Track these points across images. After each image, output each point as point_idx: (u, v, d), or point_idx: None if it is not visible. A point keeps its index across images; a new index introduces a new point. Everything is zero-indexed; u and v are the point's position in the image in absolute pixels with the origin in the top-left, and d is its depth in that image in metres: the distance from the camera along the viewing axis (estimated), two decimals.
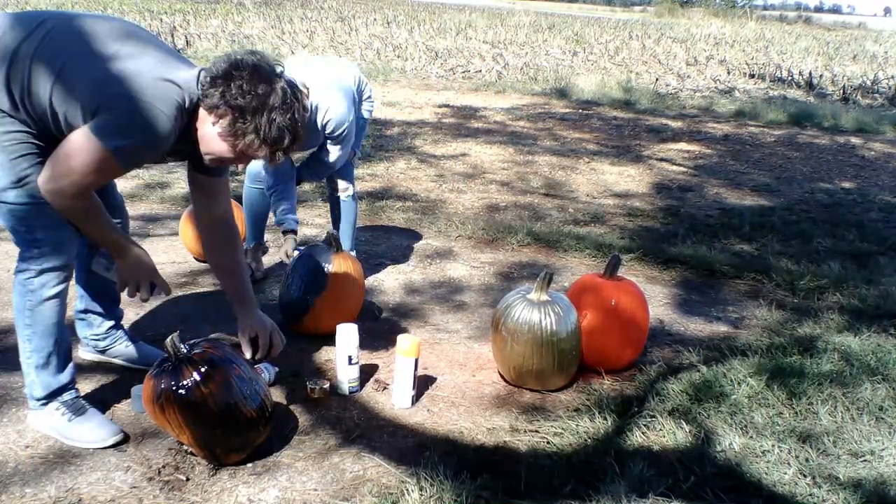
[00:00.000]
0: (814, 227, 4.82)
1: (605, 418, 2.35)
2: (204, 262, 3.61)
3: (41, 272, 2.01)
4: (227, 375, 1.98)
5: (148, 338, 2.68)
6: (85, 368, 2.51)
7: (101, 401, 2.32)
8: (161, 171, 5.26)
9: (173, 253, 3.73)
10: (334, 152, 3.18)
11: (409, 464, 2.10)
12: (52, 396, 2.13)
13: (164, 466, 2.04)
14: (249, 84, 1.85)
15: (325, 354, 2.76)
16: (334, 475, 2.05)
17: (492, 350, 2.66)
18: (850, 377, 2.68)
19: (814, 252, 4.28)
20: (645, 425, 2.32)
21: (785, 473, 2.11)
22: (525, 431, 2.31)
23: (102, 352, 2.54)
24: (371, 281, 3.48)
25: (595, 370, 2.69)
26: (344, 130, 3.10)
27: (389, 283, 3.54)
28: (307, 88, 2.85)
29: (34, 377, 2.10)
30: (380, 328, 3.03)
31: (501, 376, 2.67)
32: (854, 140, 8.47)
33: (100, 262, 2.20)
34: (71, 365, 2.17)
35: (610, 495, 1.96)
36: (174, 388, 1.92)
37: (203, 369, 1.94)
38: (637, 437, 2.26)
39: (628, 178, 6.10)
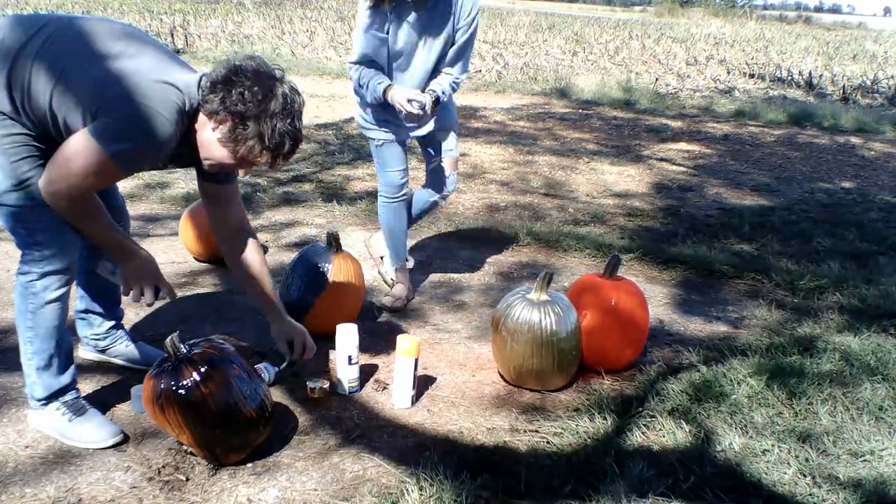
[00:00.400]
0: (814, 226, 4.82)
1: (605, 418, 2.35)
2: (204, 261, 3.62)
3: (43, 275, 2.01)
4: (227, 375, 1.98)
5: (148, 338, 2.68)
6: (85, 368, 2.51)
7: (101, 401, 2.32)
8: (161, 171, 5.27)
9: (173, 253, 3.73)
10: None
11: (409, 464, 2.10)
12: (53, 397, 2.13)
13: (164, 466, 2.04)
14: (250, 90, 1.86)
15: (325, 354, 2.76)
16: (334, 475, 2.05)
17: (492, 350, 2.67)
18: (850, 377, 2.68)
19: (814, 252, 4.28)
20: (645, 425, 2.32)
21: (785, 473, 2.11)
22: (525, 431, 2.31)
23: (102, 351, 2.54)
24: (371, 281, 3.48)
25: (595, 370, 2.69)
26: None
27: (389, 283, 3.54)
28: None
29: (35, 378, 2.10)
30: (380, 328, 3.03)
31: (501, 376, 2.67)
32: (854, 140, 8.46)
33: (105, 265, 2.20)
34: (72, 366, 2.17)
35: (610, 495, 1.96)
36: (174, 388, 1.92)
37: (203, 369, 1.94)
38: (637, 437, 2.26)
39: (628, 178, 6.10)
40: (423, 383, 2.56)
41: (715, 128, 8.76)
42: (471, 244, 4.16)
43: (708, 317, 3.33)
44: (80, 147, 1.82)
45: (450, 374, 2.69)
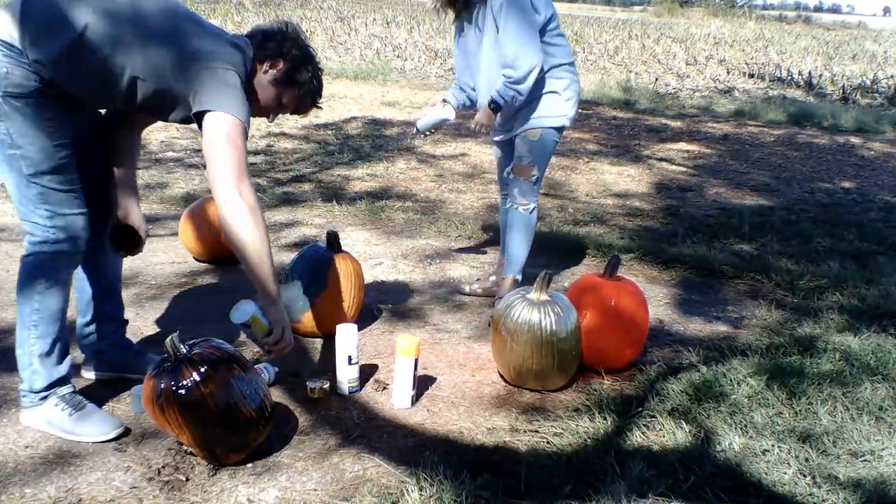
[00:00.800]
0: (813, 226, 4.82)
1: (605, 418, 2.35)
2: (204, 261, 3.62)
3: (56, 255, 2.05)
4: (226, 375, 1.98)
5: (148, 338, 2.68)
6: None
7: (101, 400, 2.32)
8: (161, 171, 5.27)
9: (173, 253, 3.73)
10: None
11: (409, 464, 2.10)
12: (52, 387, 2.13)
13: (164, 466, 2.04)
14: (297, 42, 2.21)
15: (325, 354, 2.76)
16: (334, 475, 2.05)
17: (492, 350, 2.66)
18: (850, 377, 2.68)
19: (813, 252, 4.28)
20: (645, 425, 2.32)
21: (785, 473, 2.11)
22: (525, 431, 2.31)
23: (107, 366, 2.49)
24: (371, 281, 3.48)
25: (595, 370, 2.69)
26: None
27: (389, 283, 3.54)
28: None
29: (38, 366, 2.10)
30: (380, 328, 3.03)
31: (501, 376, 2.67)
32: (854, 140, 8.47)
33: (242, 313, 2.19)
34: (69, 358, 2.18)
35: (610, 495, 1.96)
36: (174, 388, 1.92)
37: (203, 369, 1.94)
38: (637, 437, 2.26)
39: (628, 178, 6.10)
40: (423, 383, 2.56)
41: (715, 128, 8.77)
42: (471, 244, 4.17)
43: (708, 317, 3.33)
44: (218, 129, 2.00)
45: (450, 374, 2.68)
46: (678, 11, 38.32)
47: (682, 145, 7.59)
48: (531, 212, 3.13)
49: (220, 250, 3.54)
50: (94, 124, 2.22)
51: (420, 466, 2.05)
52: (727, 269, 3.85)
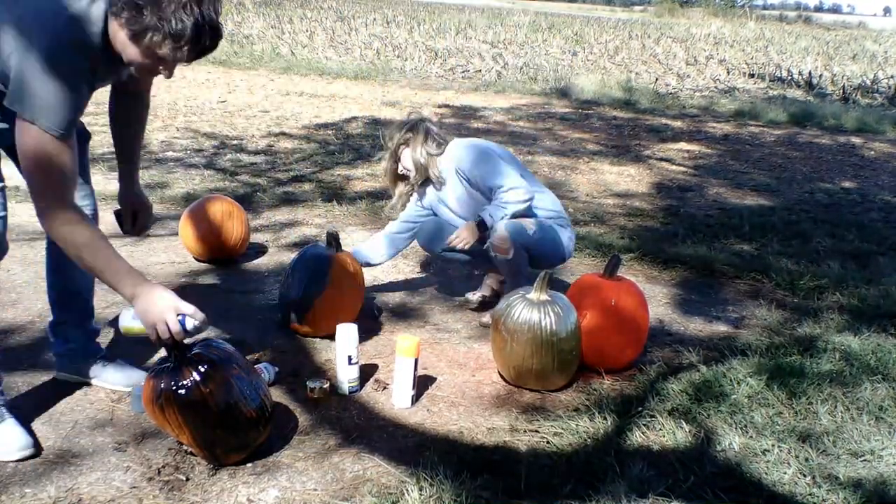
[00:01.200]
0: (814, 226, 4.82)
1: (605, 418, 2.35)
2: (204, 261, 3.62)
3: None
4: (227, 375, 1.98)
5: (147, 338, 2.67)
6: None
7: (99, 400, 2.32)
8: (161, 171, 5.27)
9: (173, 253, 3.73)
10: None
11: (409, 464, 2.10)
12: None
13: (164, 466, 2.04)
14: None
15: (325, 354, 2.76)
16: (334, 475, 2.05)
17: (492, 350, 2.66)
18: (850, 377, 2.68)
19: (814, 252, 4.28)
20: (645, 425, 2.32)
21: (785, 473, 2.11)
22: (525, 431, 2.31)
23: (78, 370, 2.41)
24: (371, 281, 3.48)
25: (595, 370, 2.69)
26: None
27: (389, 283, 3.54)
28: None
29: None
30: (380, 328, 3.03)
31: (501, 376, 2.67)
32: (854, 140, 8.47)
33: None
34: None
35: (610, 495, 1.96)
36: (174, 388, 1.92)
37: (203, 369, 1.94)
38: (637, 437, 2.26)
39: (628, 178, 6.10)
40: (423, 383, 2.56)
41: (715, 128, 8.77)
42: None
43: (708, 317, 3.33)
44: (26, 144, 1.73)
45: (450, 374, 2.68)
46: (678, 11, 38.34)
47: (683, 145, 7.59)
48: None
49: (220, 250, 3.54)
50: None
51: (420, 466, 2.05)
52: (727, 269, 3.85)
